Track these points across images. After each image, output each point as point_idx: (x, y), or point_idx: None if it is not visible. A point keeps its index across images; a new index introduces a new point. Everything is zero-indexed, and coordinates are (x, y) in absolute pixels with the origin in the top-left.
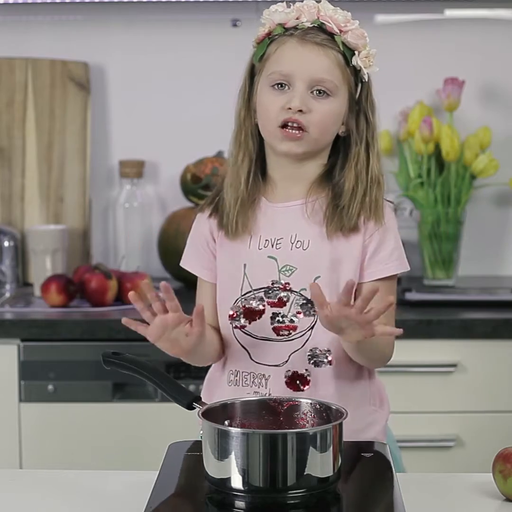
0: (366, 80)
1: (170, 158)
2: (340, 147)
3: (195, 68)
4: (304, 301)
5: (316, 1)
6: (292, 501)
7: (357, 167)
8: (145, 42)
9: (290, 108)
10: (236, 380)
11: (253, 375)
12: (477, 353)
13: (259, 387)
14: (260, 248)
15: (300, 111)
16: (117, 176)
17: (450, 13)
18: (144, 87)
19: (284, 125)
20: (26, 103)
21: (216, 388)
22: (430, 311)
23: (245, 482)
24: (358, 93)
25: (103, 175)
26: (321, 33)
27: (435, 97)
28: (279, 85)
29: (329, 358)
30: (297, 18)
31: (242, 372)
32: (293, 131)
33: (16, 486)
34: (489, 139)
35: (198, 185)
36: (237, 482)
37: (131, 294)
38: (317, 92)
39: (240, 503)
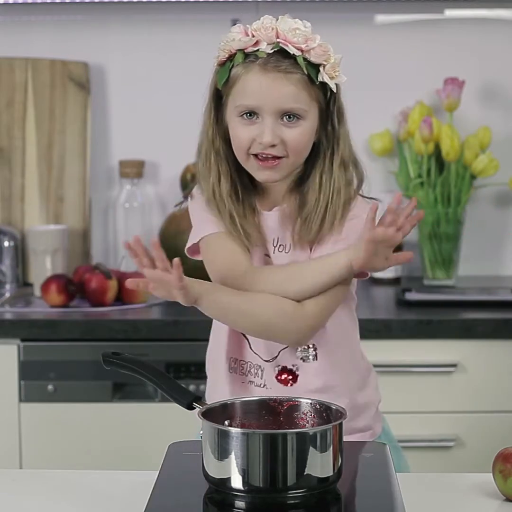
0: (335, 91)
1: (170, 158)
2: (311, 152)
3: (195, 68)
4: None
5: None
6: (292, 501)
7: (322, 177)
8: (145, 42)
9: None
10: (235, 367)
11: (250, 364)
12: (477, 353)
13: (255, 377)
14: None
15: (273, 145)
16: (117, 176)
17: (450, 13)
18: (144, 87)
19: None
20: (26, 103)
21: (217, 375)
22: (430, 311)
23: (245, 482)
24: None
25: (103, 175)
26: (282, 57)
27: (435, 97)
28: (248, 114)
29: (314, 353)
30: (255, 44)
31: (240, 361)
32: (269, 161)
33: (16, 486)
34: (489, 139)
35: None
36: (237, 482)
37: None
38: (287, 117)
39: (240, 503)
